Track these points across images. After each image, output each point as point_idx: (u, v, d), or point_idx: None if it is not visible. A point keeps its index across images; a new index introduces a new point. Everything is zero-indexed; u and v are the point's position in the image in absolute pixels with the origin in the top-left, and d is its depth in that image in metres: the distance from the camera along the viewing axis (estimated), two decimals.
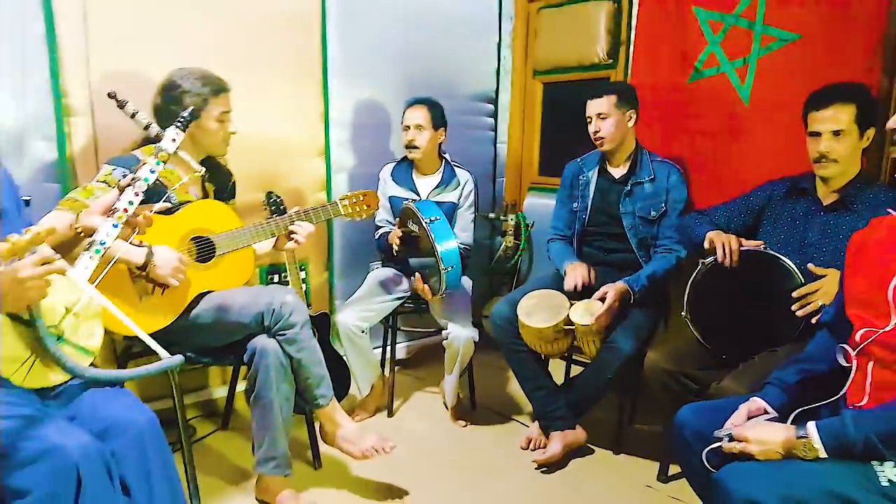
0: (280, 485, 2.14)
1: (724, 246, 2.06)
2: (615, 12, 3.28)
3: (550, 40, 3.63)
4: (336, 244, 3.17)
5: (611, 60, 3.34)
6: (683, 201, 2.55)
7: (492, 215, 3.80)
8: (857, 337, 1.41)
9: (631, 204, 2.57)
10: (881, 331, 1.36)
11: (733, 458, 1.43)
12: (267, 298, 2.05)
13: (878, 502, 1.25)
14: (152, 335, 1.93)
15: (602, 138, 2.54)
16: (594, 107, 2.55)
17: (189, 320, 2.06)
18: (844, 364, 1.44)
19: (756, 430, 1.41)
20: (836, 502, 1.25)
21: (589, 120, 2.58)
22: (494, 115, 3.82)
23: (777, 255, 2.02)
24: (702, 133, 2.86)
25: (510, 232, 3.73)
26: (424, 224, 2.40)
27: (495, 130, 3.84)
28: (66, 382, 1.55)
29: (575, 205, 2.71)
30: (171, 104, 2.08)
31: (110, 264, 1.69)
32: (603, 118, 2.53)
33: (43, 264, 1.32)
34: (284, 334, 2.04)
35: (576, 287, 2.46)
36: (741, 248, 2.07)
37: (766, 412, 1.51)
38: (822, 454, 1.32)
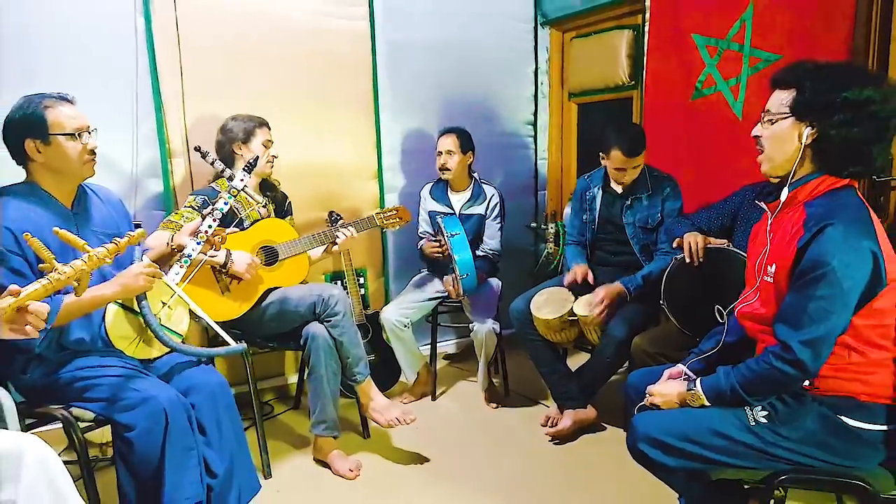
0: (331, 445, 2.67)
1: (690, 245, 2.41)
2: (634, 39, 3.64)
3: (582, 66, 4.02)
4: (390, 253, 3.71)
5: (633, 82, 3.69)
6: (677, 210, 2.86)
7: (534, 225, 4.22)
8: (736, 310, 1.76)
9: (632, 215, 2.91)
10: (746, 303, 1.71)
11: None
12: (318, 291, 2.60)
13: (746, 436, 1.60)
14: (233, 321, 2.55)
15: (627, 184, 2.87)
16: (633, 162, 2.79)
17: (259, 311, 2.64)
18: (720, 320, 1.82)
19: (659, 386, 1.79)
20: (714, 436, 1.62)
21: (623, 170, 2.82)
22: (534, 134, 4.24)
23: (737, 251, 2.34)
24: (704, 145, 3.17)
25: (551, 239, 4.13)
26: (446, 238, 2.88)
27: (535, 148, 4.26)
28: (161, 356, 2.14)
29: (585, 216, 3.08)
30: (224, 140, 2.73)
31: (196, 269, 2.28)
32: (636, 167, 2.84)
33: (148, 268, 1.94)
34: (330, 320, 2.58)
35: (575, 282, 2.84)
36: (707, 246, 2.41)
37: (685, 375, 1.87)
38: (706, 402, 1.68)
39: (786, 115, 1.61)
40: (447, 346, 3.99)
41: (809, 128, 1.58)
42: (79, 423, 1.90)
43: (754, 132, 1.72)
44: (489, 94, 4.01)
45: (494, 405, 3.24)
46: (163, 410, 1.86)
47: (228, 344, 2.13)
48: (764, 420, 1.61)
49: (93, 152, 2.03)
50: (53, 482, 1.38)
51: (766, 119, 1.67)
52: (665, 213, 2.87)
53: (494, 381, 3.35)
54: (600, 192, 3.02)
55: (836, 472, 1.58)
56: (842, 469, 1.58)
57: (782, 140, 1.63)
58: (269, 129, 2.79)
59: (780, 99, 1.63)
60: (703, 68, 3.14)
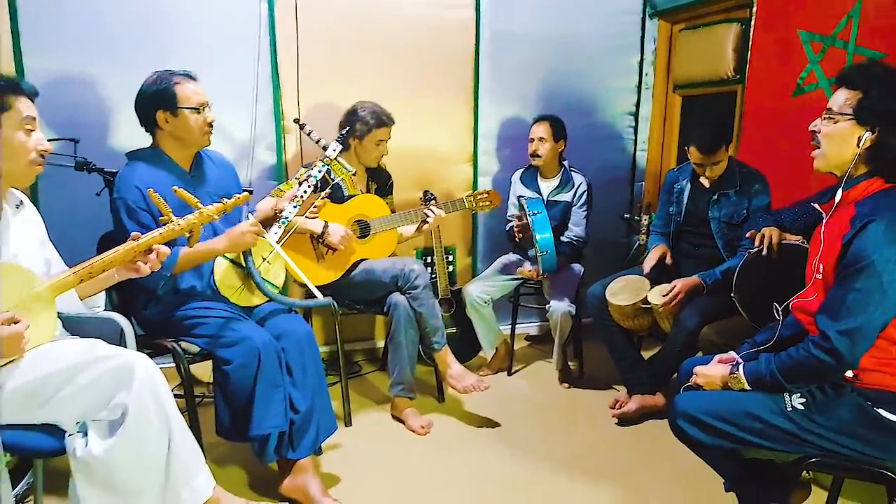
0: (406, 404, 2.91)
1: (764, 237, 2.41)
2: (741, 33, 3.58)
3: (688, 58, 3.99)
4: (480, 234, 3.90)
5: (737, 76, 3.63)
6: (764, 207, 2.82)
7: (627, 216, 4.24)
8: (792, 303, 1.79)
9: (718, 210, 2.90)
10: (802, 298, 1.73)
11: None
12: (400, 265, 2.82)
13: (781, 420, 1.66)
14: (326, 285, 2.82)
15: (713, 179, 2.89)
16: (712, 158, 2.81)
17: (350, 278, 2.91)
18: (778, 317, 1.83)
19: (704, 367, 1.86)
20: (749, 418, 1.68)
21: (703, 166, 2.86)
22: (634, 125, 4.25)
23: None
24: (802, 143, 3.07)
25: (644, 231, 4.14)
26: (528, 217, 3.02)
27: (635, 139, 4.27)
28: (260, 305, 2.44)
29: (671, 208, 3.11)
30: (347, 123, 2.96)
31: (293, 230, 2.56)
32: (716, 163, 2.85)
33: (254, 227, 2.23)
34: (411, 293, 2.80)
35: (656, 265, 2.90)
36: (783, 242, 2.40)
37: (736, 361, 1.91)
38: (746, 386, 1.73)
39: (847, 117, 1.63)
40: (529, 327, 4.13)
41: (869, 132, 1.60)
42: (186, 355, 2.23)
43: (812, 126, 1.74)
44: (590, 84, 4.06)
45: (567, 385, 3.35)
46: (257, 350, 2.15)
47: (317, 297, 2.38)
48: (800, 406, 1.65)
49: (210, 124, 2.33)
50: (157, 392, 1.67)
51: (826, 116, 1.69)
52: (752, 209, 2.85)
53: (570, 363, 3.45)
54: (689, 185, 3.04)
55: (865, 461, 1.60)
56: (873, 459, 1.59)
57: (840, 141, 1.65)
58: (391, 125, 2.99)
59: (845, 99, 1.65)
60: (805, 65, 3.06)
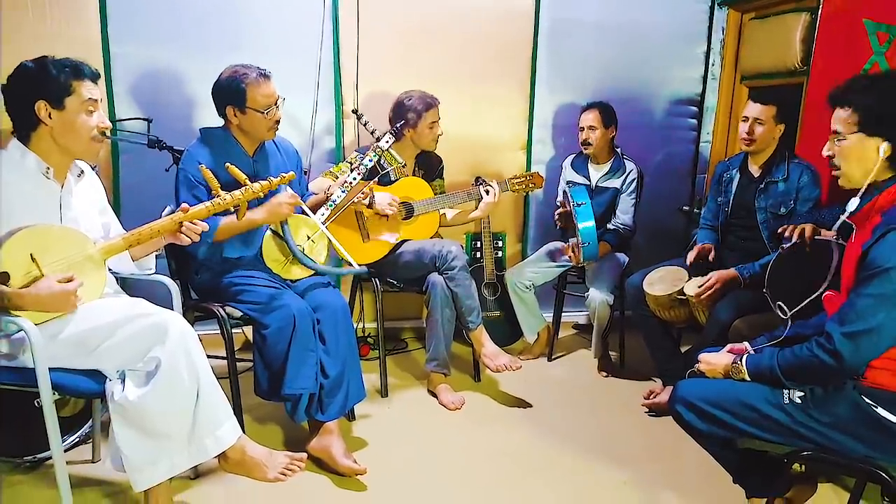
0: (441, 380, 3.03)
1: (797, 232, 2.37)
2: (810, 23, 3.45)
3: (756, 48, 3.87)
4: (531, 220, 3.96)
5: (805, 67, 3.50)
6: (812, 200, 2.75)
7: (686, 208, 4.17)
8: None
9: (764, 200, 2.86)
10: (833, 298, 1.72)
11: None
12: (439, 247, 2.94)
13: (776, 412, 1.67)
14: (371, 264, 2.97)
15: (752, 141, 2.86)
16: (755, 110, 2.85)
17: (393, 257, 3.06)
18: (783, 316, 1.81)
19: (708, 356, 1.87)
20: (743, 407, 1.70)
21: (745, 119, 2.88)
22: (698, 116, 4.17)
23: (845, 244, 2.26)
24: None
25: None
26: (571, 206, 3.06)
27: (698, 131, 4.19)
28: (301, 279, 2.61)
29: (720, 199, 3.07)
30: (396, 115, 3.09)
31: (339, 212, 2.72)
32: (760, 123, 2.84)
33: (291, 199, 2.40)
34: (447, 273, 2.91)
35: (697, 258, 2.90)
36: (816, 238, 2.35)
37: (744, 352, 1.91)
38: (747, 377, 1.74)
39: (853, 130, 1.65)
40: (578, 316, 4.15)
41: (886, 143, 1.62)
42: (230, 319, 2.43)
43: (825, 152, 1.77)
44: (653, 73, 4.01)
45: (605, 374, 3.38)
46: (292, 316, 2.33)
47: (353, 266, 2.52)
48: (798, 400, 1.65)
49: (277, 122, 2.51)
50: (188, 349, 1.86)
51: (836, 140, 1.71)
52: (799, 202, 2.79)
53: (612, 353, 3.47)
54: (738, 174, 3.00)
55: (857, 459, 1.59)
56: (864, 457, 1.58)
57: (856, 156, 1.67)
58: (438, 105, 3.10)
59: (844, 117, 1.68)
60: (870, 56, 2.95)
